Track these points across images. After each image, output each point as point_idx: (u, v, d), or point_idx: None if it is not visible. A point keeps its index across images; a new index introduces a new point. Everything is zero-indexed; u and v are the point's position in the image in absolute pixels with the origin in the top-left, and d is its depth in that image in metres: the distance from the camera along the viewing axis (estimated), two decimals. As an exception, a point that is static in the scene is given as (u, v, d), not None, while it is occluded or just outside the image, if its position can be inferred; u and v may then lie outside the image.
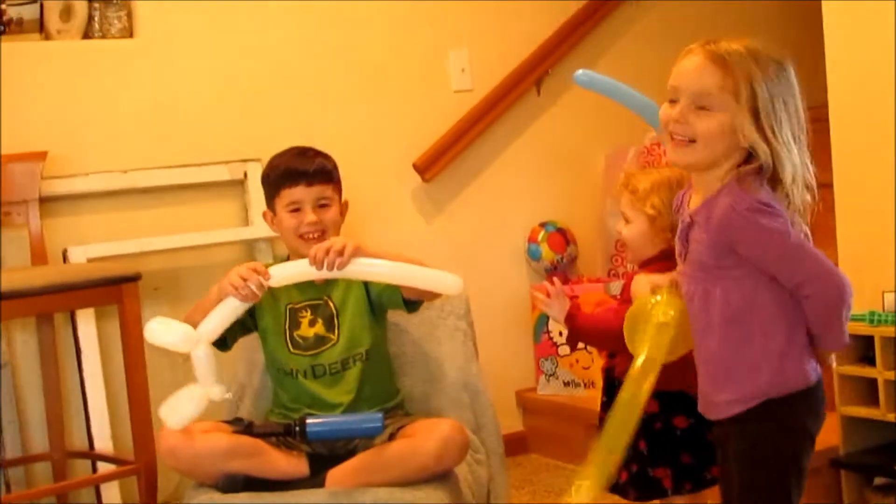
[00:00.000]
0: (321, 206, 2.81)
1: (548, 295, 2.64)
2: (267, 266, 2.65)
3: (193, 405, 2.54)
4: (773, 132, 2.06)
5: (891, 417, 3.12)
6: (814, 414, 2.18)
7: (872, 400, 3.16)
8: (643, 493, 2.59)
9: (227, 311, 2.59)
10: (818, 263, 2.11)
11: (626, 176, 2.64)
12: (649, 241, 2.58)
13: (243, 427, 2.74)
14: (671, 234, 2.45)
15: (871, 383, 3.16)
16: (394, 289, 2.73)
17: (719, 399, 2.19)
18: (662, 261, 2.54)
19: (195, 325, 2.57)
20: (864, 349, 3.19)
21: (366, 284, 2.79)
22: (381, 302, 2.81)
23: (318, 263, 2.54)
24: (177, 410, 2.54)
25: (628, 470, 2.58)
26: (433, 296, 2.72)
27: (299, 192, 2.79)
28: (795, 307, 2.12)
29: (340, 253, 2.53)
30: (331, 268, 2.53)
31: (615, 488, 2.61)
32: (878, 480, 3.24)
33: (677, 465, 2.56)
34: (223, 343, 2.75)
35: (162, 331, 2.53)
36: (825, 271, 2.11)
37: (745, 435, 2.16)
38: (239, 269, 2.58)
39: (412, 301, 2.76)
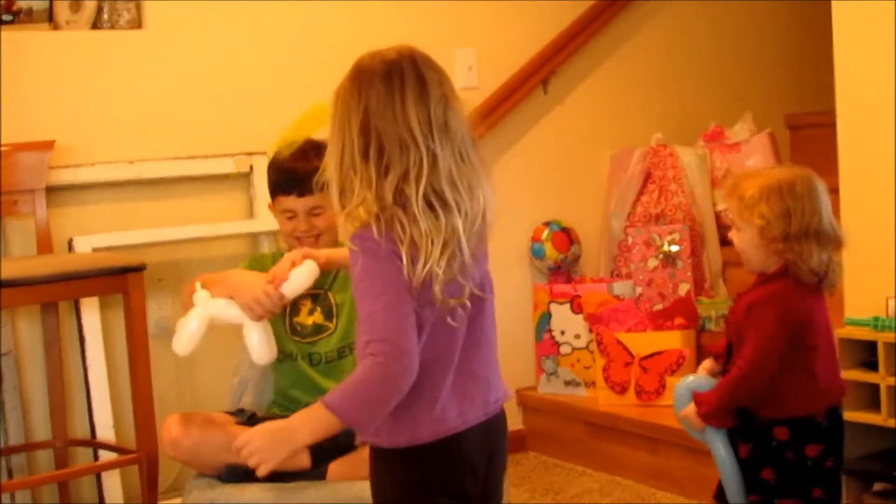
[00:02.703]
0: (314, 214, 2.81)
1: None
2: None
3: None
4: None
5: (892, 423, 3.12)
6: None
7: (874, 405, 3.16)
8: None
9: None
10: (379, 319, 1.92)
11: (733, 181, 2.51)
12: (761, 253, 2.43)
13: (246, 418, 2.76)
14: (783, 245, 2.37)
15: (873, 389, 3.16)
16: None
17: None
18: (782, 277, 2.42)
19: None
20: (866, 354, 3.19)
21: None
22: None
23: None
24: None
25: (745, 497, 2.46)
26: None
27: (291, 202, 2.81)
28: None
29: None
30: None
31: None
32: (877, 486, 3.25)
33: (807, 498, 2.42)
34: None
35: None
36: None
37: None
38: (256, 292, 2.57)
39: None
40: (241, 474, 2.66)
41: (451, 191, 1.92)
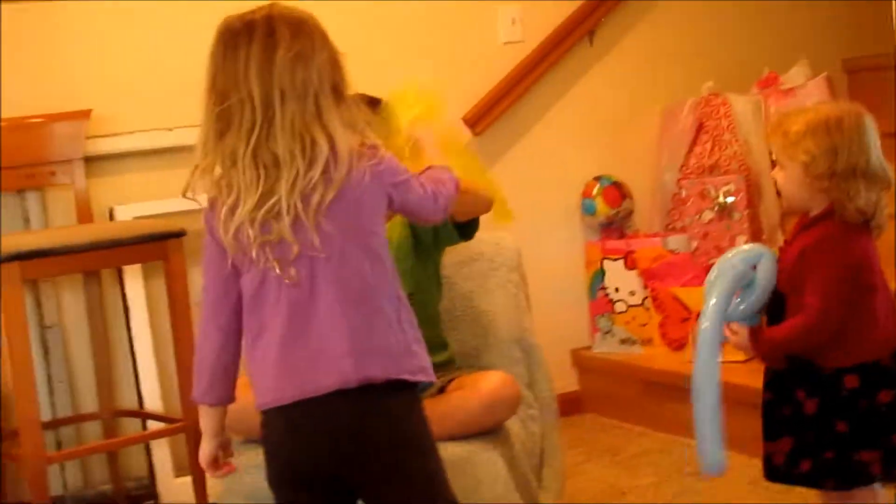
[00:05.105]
0: None
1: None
2: None
3: None
4: None
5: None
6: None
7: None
8: (843, 481, 2.34)
9: None
10: None
11: (778, 117, 2.43)
12: (805, 191, 2.32)
13: (289, 381, 2.69)
14: (829, 183, 2.27)
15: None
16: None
17: None
18: (829, 219, 2.31)
19: None
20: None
21: (411, 225, 2.71)
22: (437, 238, 2.73)
23: None
24: None
25: (815, 457, 2.35)
26: (484, 207, 2.67)
27: None
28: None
29: None
30: None
31: (788, 477, 2.40)
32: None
33: (889, 447, 2.31)
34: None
35: None
36: None
37: None
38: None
39: (465, 225, 2.69)
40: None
41: (291, 147, 1.88)
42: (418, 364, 1.98)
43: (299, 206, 1.87)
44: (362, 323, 1.92)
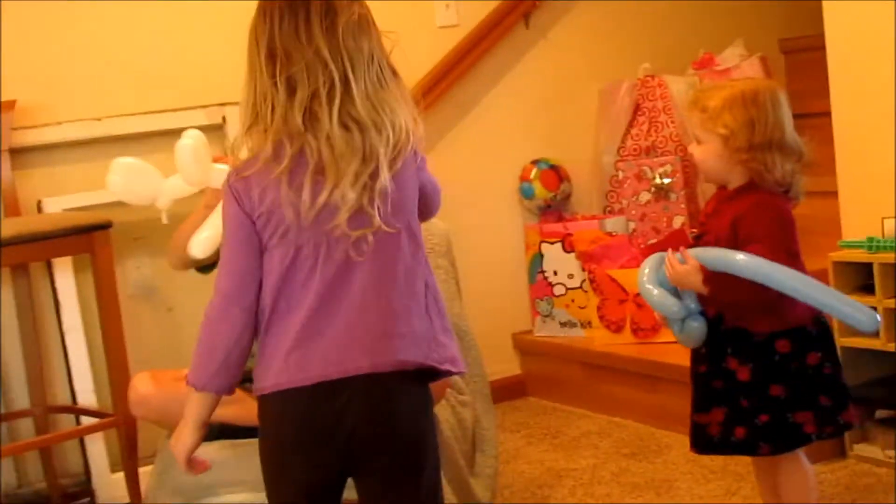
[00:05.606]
0: None
1: None
2: None
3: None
4: None
5: (891, 347, 3.01)
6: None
7: (872, 330, 3.05)
8: (779, 444, 2.40)
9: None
10: None
11: (695, 94, 2.50)
12: (724, 164, 2.38)
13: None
14: (747, 155, 2.34)
15: (871, 312, 3.05)
16: None
17: None
18: (755, 188, 2.37)
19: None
20: (863, 277, 3.08)
21: None
22: None
23: None
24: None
25: (750, 423, 2.38)
26: None
27: None
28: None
29: None
30: None
31: (724, 447, 2.44)
32: (879, 413, 3.15)
33: (817, 407, 2.38)
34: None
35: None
36: None
37: None
38: None
39: None
40: (213, 431, 2.55)
41: (369, 113, 1.81)
42: (446, 354, 1.90)
43: (367, 180, 1.80)
44: (397, 306, 1.83)
